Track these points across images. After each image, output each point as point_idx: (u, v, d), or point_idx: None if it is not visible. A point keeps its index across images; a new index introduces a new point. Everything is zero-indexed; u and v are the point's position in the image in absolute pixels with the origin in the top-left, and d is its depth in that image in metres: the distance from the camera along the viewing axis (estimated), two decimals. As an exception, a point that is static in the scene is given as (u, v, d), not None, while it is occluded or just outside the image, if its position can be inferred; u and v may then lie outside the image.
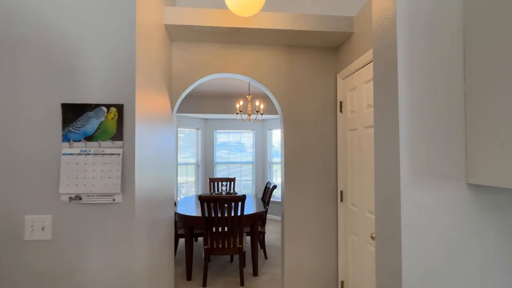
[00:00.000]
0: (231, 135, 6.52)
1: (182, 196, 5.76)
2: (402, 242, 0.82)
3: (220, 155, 6.49)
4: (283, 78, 2.45)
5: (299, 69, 2.47)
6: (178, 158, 5.66)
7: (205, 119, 6.34)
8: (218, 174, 6.45)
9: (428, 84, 0.85)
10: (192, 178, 6.11)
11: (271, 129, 6.30)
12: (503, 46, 0.73)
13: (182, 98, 2.40)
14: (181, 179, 5.78)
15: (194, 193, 6.14)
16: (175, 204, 3.86)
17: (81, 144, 1.31)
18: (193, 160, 6.15)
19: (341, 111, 2.42)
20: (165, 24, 2.02)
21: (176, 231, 3.59)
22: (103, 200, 1.31)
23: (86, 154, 1.30)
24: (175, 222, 3.63)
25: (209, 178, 4.85)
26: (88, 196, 1.30)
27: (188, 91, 2.42)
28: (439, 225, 0.84)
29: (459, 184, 0.84)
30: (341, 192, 2.41)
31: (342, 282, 2.39)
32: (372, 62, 1.94)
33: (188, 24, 2.03)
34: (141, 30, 1.43)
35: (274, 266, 3.59)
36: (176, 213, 3.34)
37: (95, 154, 1.31)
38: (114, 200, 1.31)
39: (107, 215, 1.32)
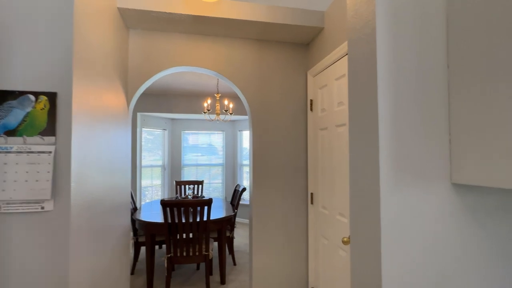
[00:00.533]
0: (200, 136, 6.28)
1: (147, 201, 5.41)
2: (382, 247, 0.71)
3: (188, 157, 6.21)
4: (251, 74, 2.31)
5: (268, 65, 2.34)
6: (143, 160, 5.31)
7: (173, 119, 6.04)
8: (186, 177, 6.16)
9: (410, 70, 0.74)
10: (158, 181, 5.77)
11: (241, 130, 6.15)
12: (487, 35, 0.64)
13: (140, 93, 2.18)
14: (145, 182, 5.43)
15: (160, 197, 5.80)
16: (136, 210, 3.57)
17: (0, 140, 1.07)
18: (159, 162, 5.82)
19: (311, 109, 2.33)
20: (118, 8, 1.80)
21: (137, 239, 3.30)
22: (28, 209, 1.07)
23: (6, 152, 1.06)
24: (136, 229, 3.35)
25: (176, 181, 4.58)
26: (8, 203, 1.06)
27: (147, 86, 2.20)
28: (421, 228, 0.73)
29: (443, 184, 0.74)
30: (312, 194, 2.31)
31: (312, 288, 2.29)
32: (343, 58, 1.86)
33: (146, 9, 1.83)
34: (82, 8, 1.22)
35: (243, 272, 3.42)
36: (136, 220, 3.06)
37: (18, 152, 1.07)
38: (42, 208, 1.08)
39: (33, 227, 1.08)
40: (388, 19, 0.73)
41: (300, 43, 2.39)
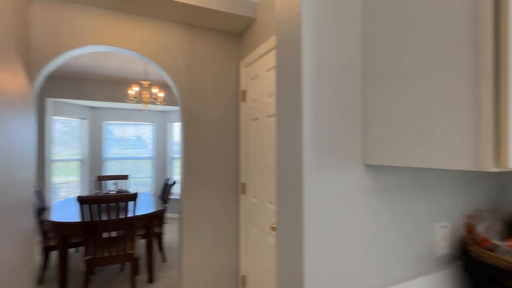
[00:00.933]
0: (127, 128, 5.78)
1: (61, 199, 4.76)
2: (304, 228, 0.73)
3: (113, 150, 5.66)
4: (183, 60, 2.19)
5: (201, 53, 2.26)
6: (56, 154, 4.64)
7: (93, 108, 5.41)
8: (110, 172, 5.62)
9: (330, 59, 0.78)
10: (75, 177, 5.13)
11: (173, 121, 5.86)
12: (397, 28, 0.71)
13: (46, 73, 1.87)
14: (59, 178, 4.77)
15: (78, 194, 5.17)
16: (44, 209, 3.10)
17: None
18: (77, 156, 5.17)
19: (244, 100, 2.33)
20: (14, -33, 1.49)
21: (46, 243, 2.87)
22: None
23: None
24: (45, 232, 2.91)
25: (97, 176, 4.13)
26: None
27: (56, 65, 1.90)
28: (340, 208, 0.78)
29: (357, 165, 0.80)
30: (243, 184, 2.33)
31: (243, 276, 2.32)
32: (273, 51, 1.89)
33: (53, -27, 1.56)
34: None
35: (173, 268, 3.29)
36: (45, 221, 2.66)
37: None
38: None
39: None
40: (312, 6, 0.75)
41: (233, 32, 2.36)
